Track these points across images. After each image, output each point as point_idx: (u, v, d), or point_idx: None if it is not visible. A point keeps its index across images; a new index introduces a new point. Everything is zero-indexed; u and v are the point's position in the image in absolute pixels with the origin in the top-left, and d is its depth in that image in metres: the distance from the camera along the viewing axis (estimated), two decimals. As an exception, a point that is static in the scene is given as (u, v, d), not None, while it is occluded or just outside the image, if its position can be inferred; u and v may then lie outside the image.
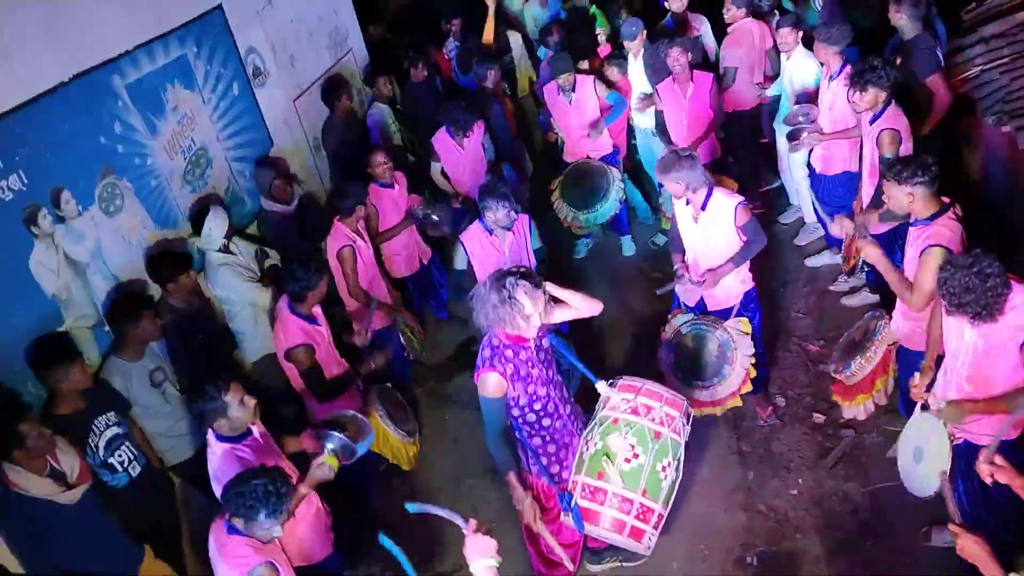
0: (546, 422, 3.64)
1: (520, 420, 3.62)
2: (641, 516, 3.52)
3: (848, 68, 5.09)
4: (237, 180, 5.66)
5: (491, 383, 3.45)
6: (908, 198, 3.80)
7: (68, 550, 3.64)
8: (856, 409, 4.41)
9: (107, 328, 4.34)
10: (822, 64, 5.54)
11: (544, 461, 3.73)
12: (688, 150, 4.58)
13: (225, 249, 5.01)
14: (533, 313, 3.32)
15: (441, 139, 6.14)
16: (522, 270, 3.40)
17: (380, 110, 6.81)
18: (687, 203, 4.52)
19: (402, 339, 5.40)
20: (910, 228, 3.99)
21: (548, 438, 3.70)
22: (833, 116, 5.41)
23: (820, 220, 6.02)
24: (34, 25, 4.04)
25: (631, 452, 3.54)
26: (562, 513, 3.71)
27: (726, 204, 4.42)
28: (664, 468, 3.58)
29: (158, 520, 4.28)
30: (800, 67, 5.90)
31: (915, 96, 5.21)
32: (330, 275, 4.84)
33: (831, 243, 6.14)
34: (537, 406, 3.57)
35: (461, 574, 4.61)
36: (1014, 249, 5.04)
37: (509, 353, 3.46)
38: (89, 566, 3.68)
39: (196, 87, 5.28)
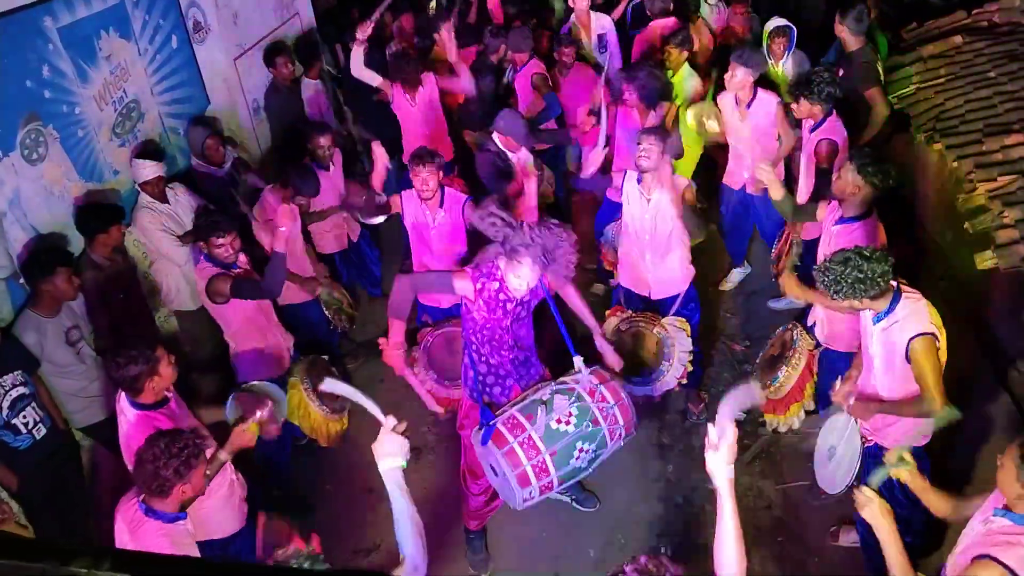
0: (485, 349, 3.87)
1: (468, 337, 3.90)
2: (536, 470, 3.65)
3: (759, 94, 5.31)
4: (169, 137, 5.47)
5: (462, 283, 3.69)
6: (855, 190, 3.94)
7: None
8: (791, 420, 4.49)
9: (22, 281, 4.15)
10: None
11: (476, 381, 3.97)
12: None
13: (159, 196, 4.90)
14: (526, 279, 3.54)
15: (397, 97, 6.03)
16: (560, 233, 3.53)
17: (308, 85, 6.66)
18: (639, 182, 4.55)
19: (327, 313, 5.30)
20: (835, 226, 4.13)
21: (485, 365, 3.93)
22: (759, 140, 5.48)
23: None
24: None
25: (566, 417, 3.69)
26: (475, 429, 3.87)
27: (679, 183, 4.49)
28: (581, 450, 3.69)
29: (63, 484, 4.12)
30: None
31: (854, 107, 5.34)
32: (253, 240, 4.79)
33: (738, 261, 6.31)
34: (485, 333, 3.81)
35: (381, 551, 4.58)
36: (932, 266, 5.25)
37: (495, 286, 3.68)
38: None
39: (132, 37, 5.07)
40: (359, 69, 5.85)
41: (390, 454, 2.58)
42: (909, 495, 3.63)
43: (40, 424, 3.95)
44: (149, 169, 4.87)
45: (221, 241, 4.16)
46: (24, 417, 3.87)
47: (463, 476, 4.30)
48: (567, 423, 3.67)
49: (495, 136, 5.12)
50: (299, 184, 5.04)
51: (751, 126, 5.45)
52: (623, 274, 4.94)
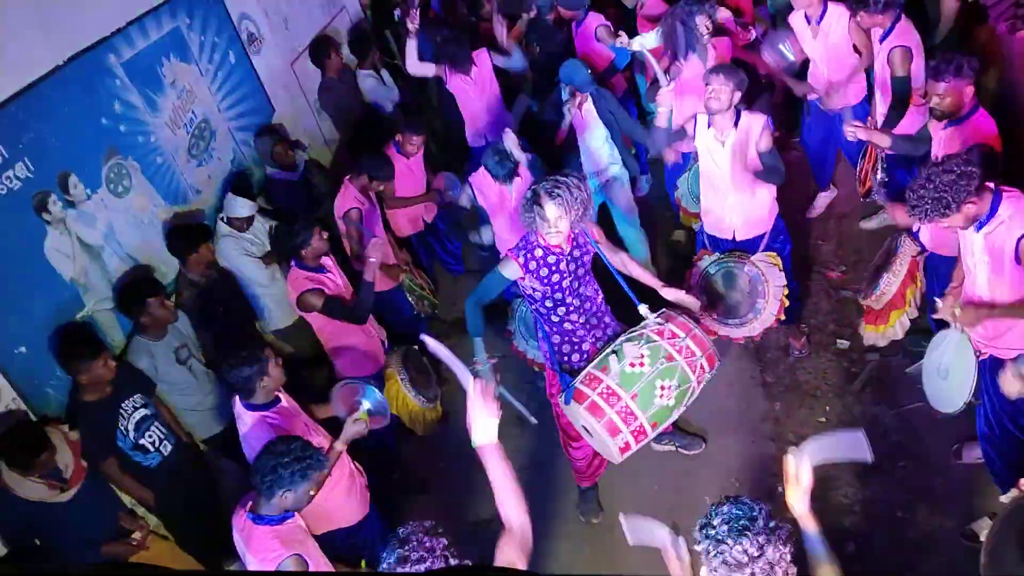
0: (554, 318, 3.93)
1: (536, 311, 3.97)
2: (623, 416, 3.66)
3: (830, 7, 5.05)
4: (242, 150, 5.63)
5: (509, 268, 3.80)
6: (959, 96, 3.81)
7: (60, 544, 3.65)
8: (893, 330, 4.31)
9: (128, 310, 4.37)
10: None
11: (553, 350, 4.03)
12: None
13: (240, 228, 5.02)
14: (555, 218, 3.58)
15: (452, 78, 6.05)
16: (563, 175, 3.62)
17: (364, 76, 6.71)
18: (710, 125, 4.45)
19: (410, 298, 5.40)
20: (945, 130, 3.96)
21: (559, 335, 3.99)
22: (832, 54, 5.24)
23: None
24: (24, 10, 3.99)
25: (639, 360, 3.71)
26: (559, 395, 3.95)
27: (756, 121, 4.37)
28: (663, 388, 3.69)
29: (195, 494, 4.36)
30: None
31: (924, 5, 5.08)
32: (335, 233, 4.89)
33: (823, 185, 6.07)
34: (549, 303, 3.87)
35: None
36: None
37: (539, 252, 3.75)
38: (82, 557, 3.69)
39: (192, 59, 5.22)
40: (415, 65, 5.98)
41: (482, 429, 2.60)
42: None
43: (166, 441, 4.16)
44: (245, 208, 5.01)
45: (312, 242, 4.33)
46: (150, 436, 4.09)
47: (563, 443, 4.36)
48: (641, 365, 3.69)
49: (562, 86, 5.20)
50: (372, 170, 5.13)
51: (823, 42, 5.21)
52: (705, 220, 4.84)
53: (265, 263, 5.07)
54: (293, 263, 4.43)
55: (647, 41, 5.59)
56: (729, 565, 2.13)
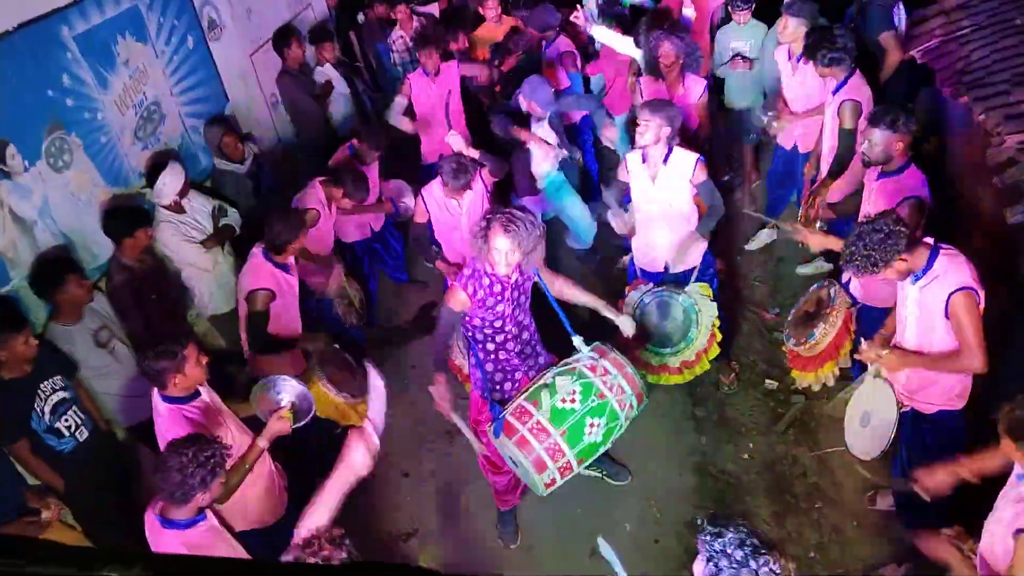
0: (490, 346, 3.95)
1: (472, 338, 3.96)
2: (551, 452, 3.68)
3: None
4: (191, 137, 5.52)
5: (457, 298, 3.78)
6: (899, 146, 3.90)
7: None
8: (825, 377, 4.40)
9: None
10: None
11: (485, 379, 4.03)
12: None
13: (176, 207, 4.89)
14: (505, 251, 3.59)
15: (416, 77, 6.06)
16: (514, 209, 3.67)
17: (321, 73, 6.66)
18: (643, 160, 4.49)
19: (338, 308, 5.33)
20: (876, 181, 4.06)
21: (492, 363, 4.00)
22: (806, 94, 5.35)
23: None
24: (-25, -28, 3.87)
25: (570, 396, 3.72)
26: (488, 425, 3.93)
27: (686, 159, 4.39)
28: (592, 425, 3.72)
29: (109, 484, 4.21)
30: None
31: (871, 57, 5.25)
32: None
33: (774, 214, 6.14)
34: (488, 331, 3.89)
35: (420, 534, 4.64)
36: (965, 222, 5.14)
37: (486, 281, 3.75)
38: None
39: (148, 40, 5.12)
40: (397, 118, 6.07)
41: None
42: (947, 460, 3.60)
43: (82, 427, 4.02)
44: (174, 177, 4.80)
45: (292, 247, 4.37)
46: (66, 420, 3.95)
47: (483, 467, 4.35)
48: (572, 401, 3.70)
49: (520, 99, 5.24)
50: (352, 190, 5.12)
51: (801, 80, 5.29)
52: (636, 253, 4.87)
53: (206, 247, 4.97)
54: (261, 251, 4.36)
55: (605, 35, 5.67)
56: None
